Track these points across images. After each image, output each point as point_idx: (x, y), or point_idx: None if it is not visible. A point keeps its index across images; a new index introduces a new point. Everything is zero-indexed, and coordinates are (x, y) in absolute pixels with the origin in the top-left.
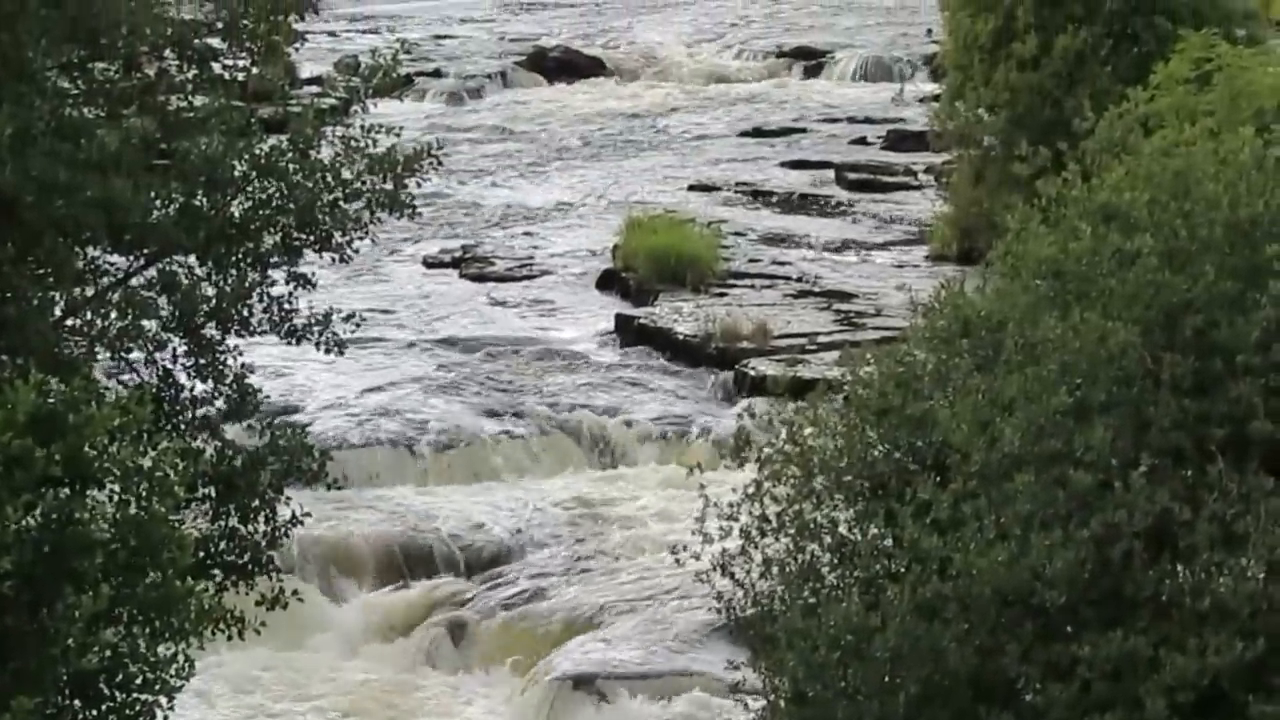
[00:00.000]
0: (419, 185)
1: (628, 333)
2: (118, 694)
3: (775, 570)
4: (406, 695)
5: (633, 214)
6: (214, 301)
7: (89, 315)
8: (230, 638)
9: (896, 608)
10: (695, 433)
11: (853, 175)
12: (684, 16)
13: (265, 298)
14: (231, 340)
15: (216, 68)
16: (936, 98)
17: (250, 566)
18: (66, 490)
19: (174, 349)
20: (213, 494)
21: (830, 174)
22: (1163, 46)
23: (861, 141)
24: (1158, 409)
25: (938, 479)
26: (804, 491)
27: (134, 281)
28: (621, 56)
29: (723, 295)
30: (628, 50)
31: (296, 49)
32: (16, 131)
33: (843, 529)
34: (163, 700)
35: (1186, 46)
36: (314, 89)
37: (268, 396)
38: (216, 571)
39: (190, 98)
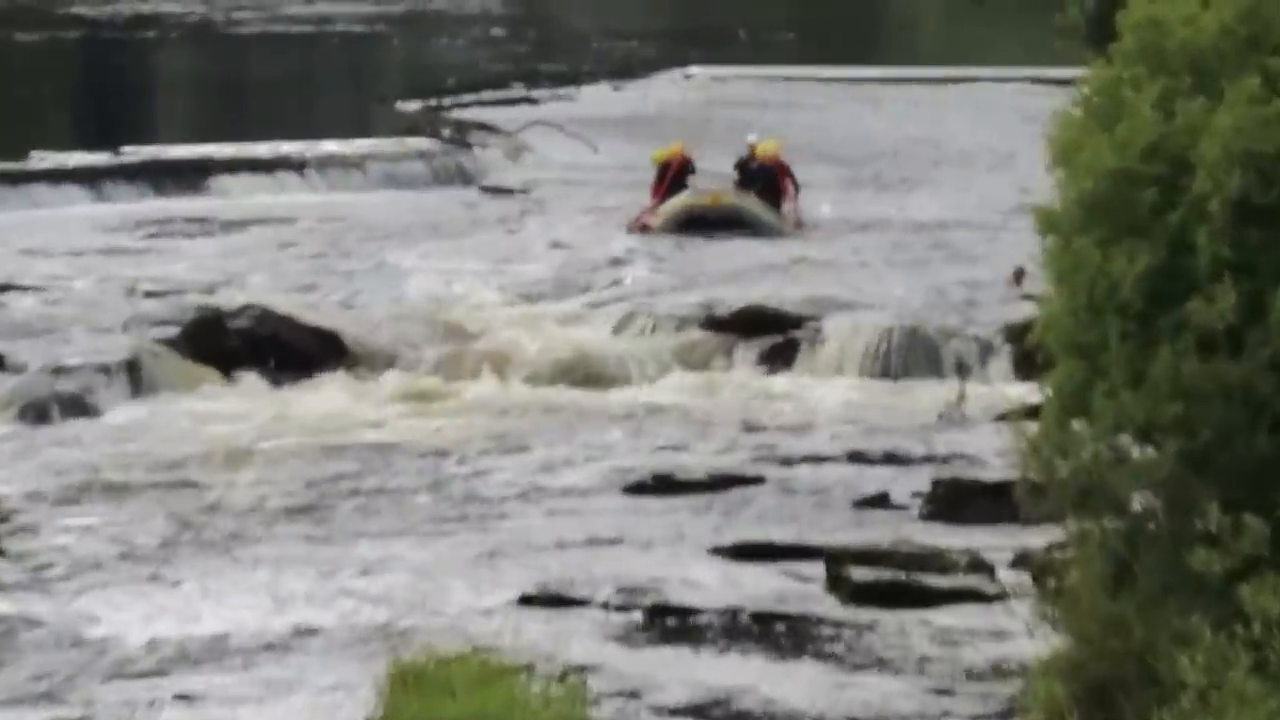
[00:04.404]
0: None
1: None
2: None
3: None
4: None
5: (404, 656)
6: None
7: None
8: None
9: None
10: None
11: (861, 574)
12: (503, 244)
13: None
14: None
15: None
16: (1034, 412)
17: None
18: None
19: None
20: None
21: (816, 570)
22: None
23: (880, 504)
24: None
25: None
26: None
27: None
28: (377, 327)
29: None
30: (389, 313)
31: None
32: None
33: None
34: None
35: None
36: None
37: None
38: None
39: None
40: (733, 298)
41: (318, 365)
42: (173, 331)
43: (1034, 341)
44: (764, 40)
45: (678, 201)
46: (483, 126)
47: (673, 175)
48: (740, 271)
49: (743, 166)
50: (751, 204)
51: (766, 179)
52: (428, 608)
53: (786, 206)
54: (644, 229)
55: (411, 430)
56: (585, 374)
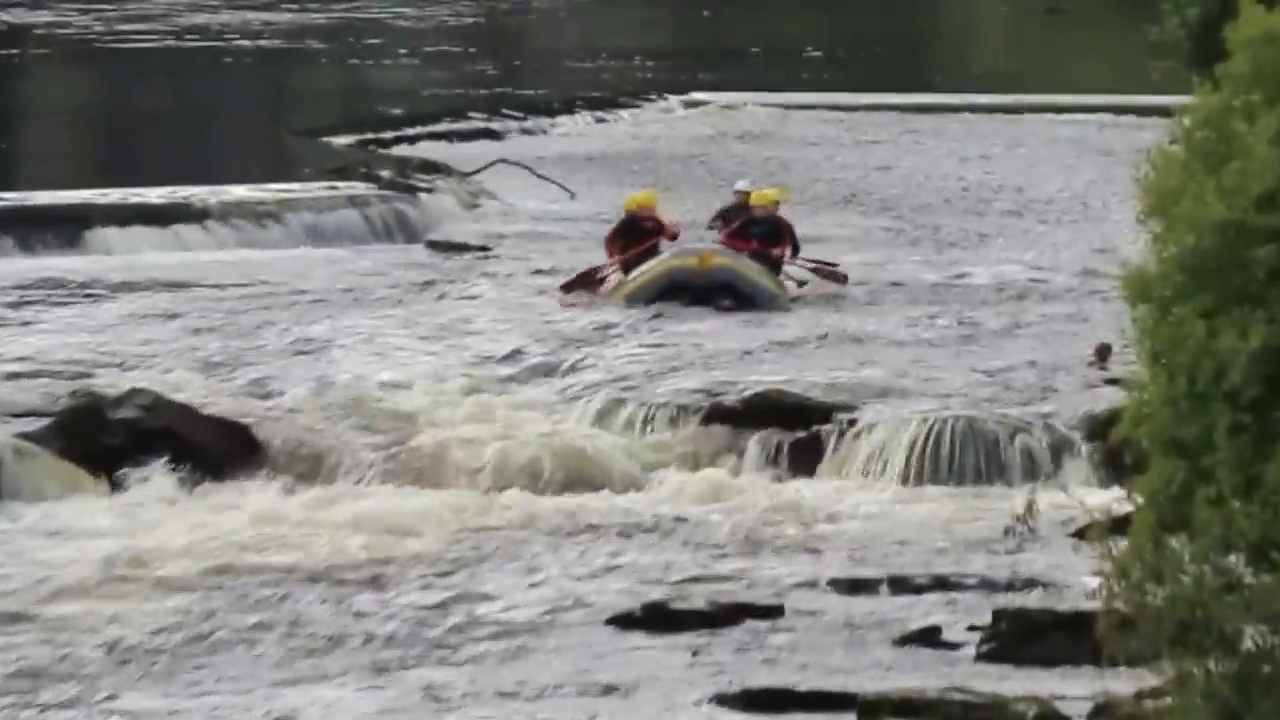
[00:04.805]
0: None
1: None
2: None
3: None
4: None
5: None
6: None
7: None
8: None
9: None
10: None
11: None
12: (456, 314)
13: None
14: None
15: None
16: (1121, 525)
17: None
18: None
19: None
20: None
21: None
22: None
23: (927, 640)
24: None
25: None
26: None
27: None
28: (297, 420)
29: None
30: (312, 402)
31: None
32: None
33: None
34: None
35: None
36: None
37: None
38: None
39: None
40: (743, 382)
41: (222, 467)
42: (41, 423)
43: (1121, 437)
44: (785, 60)
45: (656, 264)
46: (432, 167)
47: (648, 245)
48: (750, 349)
49: (729, 221)
50: (748, 268)
51: (764, 236)
52: None
53: (785, 269)
54: (570, 287)
55: (340, 549)
56: (559, 478)
